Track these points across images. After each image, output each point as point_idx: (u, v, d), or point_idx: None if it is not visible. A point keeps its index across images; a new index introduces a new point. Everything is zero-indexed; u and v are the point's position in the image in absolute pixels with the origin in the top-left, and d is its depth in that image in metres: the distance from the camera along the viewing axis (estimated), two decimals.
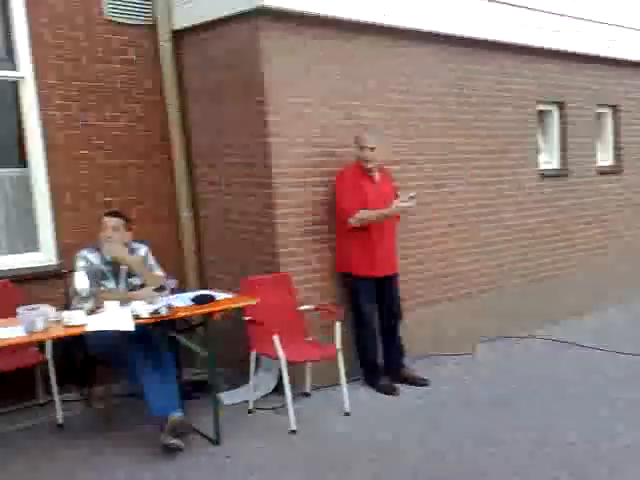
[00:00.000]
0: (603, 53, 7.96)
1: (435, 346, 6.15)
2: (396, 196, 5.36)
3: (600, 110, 8.31)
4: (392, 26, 5.69)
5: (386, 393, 5.19)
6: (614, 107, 8.47)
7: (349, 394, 4.84)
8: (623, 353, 6.03)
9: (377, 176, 5.28)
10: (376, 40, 5.72)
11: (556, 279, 7.53)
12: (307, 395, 5.15)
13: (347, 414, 4.76)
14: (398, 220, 5.42)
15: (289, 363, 4.52)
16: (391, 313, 5.42)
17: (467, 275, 6.57)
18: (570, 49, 7.49)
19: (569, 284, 7.62)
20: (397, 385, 5.29)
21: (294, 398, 4.59)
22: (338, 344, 4.78)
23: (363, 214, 5.07)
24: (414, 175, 6.07)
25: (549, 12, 7.29)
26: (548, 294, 7.33)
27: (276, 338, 4.46)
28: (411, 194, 5.10)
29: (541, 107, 7.51)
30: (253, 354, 4.82)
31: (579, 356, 6.10)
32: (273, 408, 4.88)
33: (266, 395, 5.11)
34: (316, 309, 5.20)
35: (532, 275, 7.27)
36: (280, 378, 4.65)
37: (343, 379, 4.80)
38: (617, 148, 8.53)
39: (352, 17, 5.38)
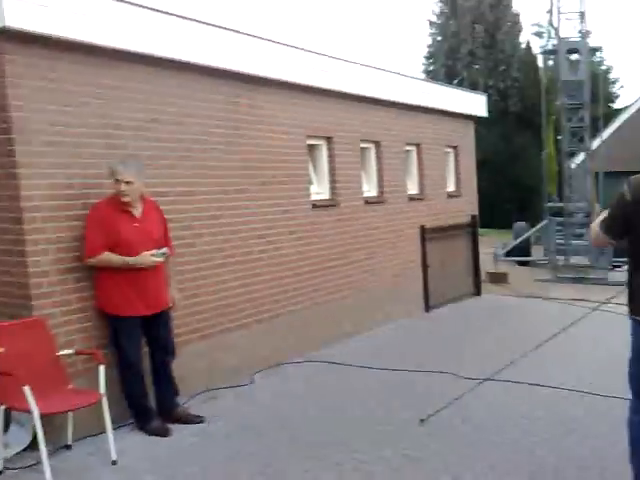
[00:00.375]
0: (367, 93, 8.56)
1: (212, 380, 6.04)
2: (166, 231, 5.19)
3: (364, 145, 8.90)
4: (159, 56, 5.58)
5: (158, 435, 4.94)
6: (376, 142, 9.13)
7: (118, 441, 4.55)
8: (389, 369, 6.44)
9: (139, 211, 5.03)
10: (142, 69, 5.57)
11: (331, 303, 7.85)
12: (69, 447, 4.73)
13: (114, 463, 4.45)
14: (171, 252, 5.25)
15: (45, 415, 4.12)
16: (163, 351, 5.20)
17: (244, 305, 6.57)
18: (338, 88, 7.95)
19: (344, 307, 8.00)
20: (170, 426, 5.07)
21: (55, 452, 4.24)
22: (102, 389, 4.48)
23: (105, 258, 4.79)
24: (188, 207, 5.97)
25: (318, 53, 7.70)
26: (324, 318, 7.62)
27: (27, 389, 4.04)
28: (163, 250, 4.96)
29: (311, 141, 7.85)
30: (1, 408, 4.32)
31: (352, 376, 6.39)
32: (28, 466, 4.41)
33: (20, 452, 4.60)
34: (77, 353, 4.82)
35: (308, 301, 7.50)
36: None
37: (109, 426, 4.49)
38: (380, 180, 9.16)
39: (113, 45, 5.17)
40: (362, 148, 8.85)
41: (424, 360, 6.78)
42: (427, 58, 24.63)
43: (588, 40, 23.83)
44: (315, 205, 7.68)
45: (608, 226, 3.41)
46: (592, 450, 4.45)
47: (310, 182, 7.78)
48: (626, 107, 19.89)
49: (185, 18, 5.89)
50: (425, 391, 5.82)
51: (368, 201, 8.77)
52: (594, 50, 17.21)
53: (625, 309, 3.45)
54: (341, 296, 8.06)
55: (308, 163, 7.79)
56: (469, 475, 4.11)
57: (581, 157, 14.99)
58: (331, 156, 8.14)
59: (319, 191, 8.00)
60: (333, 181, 8.12)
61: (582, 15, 15.24)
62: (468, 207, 11.35)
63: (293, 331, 7.12)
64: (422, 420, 5.02)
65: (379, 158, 9.16)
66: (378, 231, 8.90)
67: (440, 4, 24.33)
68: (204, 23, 6.07)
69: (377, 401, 5.61)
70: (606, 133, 16.68)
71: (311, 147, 7.91)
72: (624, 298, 3.49)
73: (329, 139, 8.11)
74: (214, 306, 6.23)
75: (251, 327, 6.66)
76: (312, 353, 7.17)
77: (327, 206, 7.94)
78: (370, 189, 9.04)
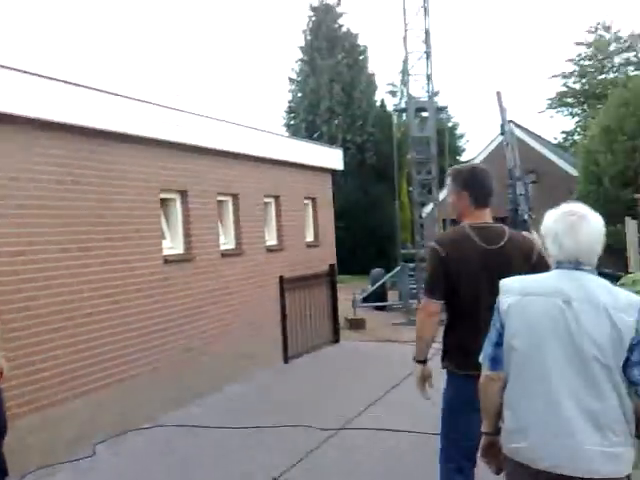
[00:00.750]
0: (224, 147, 8.62)
1: (50, 454, 5.55)
2: None
3: (221, 198, 8.92)
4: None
5: None
6: (234, 195, 9.19)
7: None
8: (240, 427, 6.29)
9: None
10: None
11: (184, 362, 7.60)
12: None
13: None
14: None
15: None
16: None
17: (85, 371, 6.15)
18: (193, 142, 7.93)
19: (198, 365, 7.78)
20: None
21: None
22: None
23: None
24: (23, 268, 5.61)
25: (171, 108, 7.69)
26: (176, 378, 7.33)
27: None
28: None
29: (165, 195, 7.75)
30: None
31: (204, 438, 6.13)
32: None
33: None
34: None
35: (158, 362, 7.18)
36: None
37: None
38: (237, 232, 9.18)
39: None
40: (219, 201, 8.86)
41: (281, 414, 6.71)
42: (288, 113, 25.33)
43: (436, 99, 25.79)
44: (167, 260, 7.51)
45: (432, 289, 3.31)
46: None
47: (162, 237, 7.64)
48: (471, 160, 21.51)
49: (23, 72, 5.66)
50: (280, 447, 5.75)
51: (225, 254, 8.73)
52: (441, 109, 18.47)
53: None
54: (195, 353, 7.83)
55: (160, 217, 7.65)
56: None
57: (430, 207, 15.91)
58: (185, 210, 8.05)
59: (172, 246, 7.86)
60: (187, 235, 8.02)
61: (429, 77, 16.43)
62: (327, 256, 11.62)
63: (141, 395, 6.74)
64: (275, 478, 4.98)
65: (237, 210, 9.20)
66: (236, 284, 8.85)
67: (300, 63, 25.24)
68: (42, 76, 5.83)
69: (230, 463, 5.41)
70: None
71: (164, 201, 7.80)
72: None
73: (183, 193, 8.04)
74: (52, 374, 5.77)
75: (94, 393, 6.22)
76: (163, 417, 6.79)
77: (180, 261, 7.80)
78: (227, 242, 9.03)
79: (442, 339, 3.50)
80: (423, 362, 3.51)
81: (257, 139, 9.53)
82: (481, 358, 2.64)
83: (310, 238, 11.29)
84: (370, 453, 5.48)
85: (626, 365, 2.30)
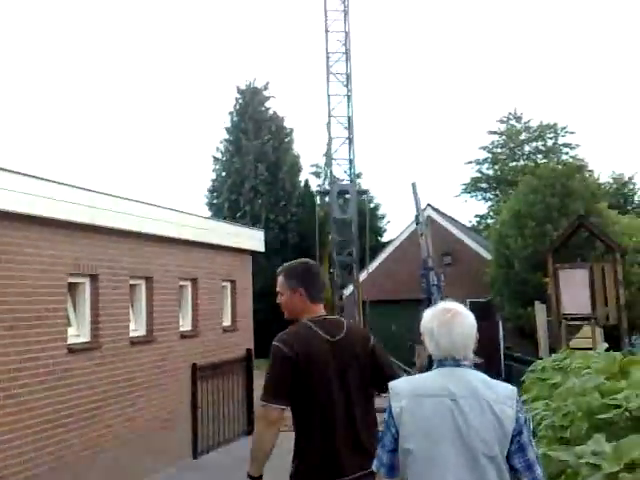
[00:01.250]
0: (139, 228, 8.42)
1: None
2: None
3: (134, 282, 8.66)
4: None
5: None
6: (148, 278, 8.94)
7: None
8: None
9: None
10: None
11: (86, 460, 7.09)
12: None
13: None
14: None
15: None
16: None
17: None
18: (105, 224, 7.71)
19: (100, 463, 7.28)
20: None
21: None
22: None
23: None
24: None
25: (83, 188, 7.48)
26: (73, 477, 6.85)
27: None
28: None
29: (73, 279, 7.45)
30: None
31: None
32: None
33: None
34: None
35: (55, 462, 6.67)
36: None
37: None
38: (149, 318, 8.88)
39: None
40: (132, 285, 8.60)
41: None
42: (211, 192, 25.34)
43: (359, 181, 26.46)
44: (71, 349, 7.12)
45: (275, 392, 3.07)
46: None
47: (67, 324, 7.28)
48: (391, 240, 21.96)
49: None
50: None
51: (135, 341, 8.39)
52: (362, 192, 18.95)
53: None
54: (98, 450, 7.35)
55: (67, 303, 7.32)
56: None
57: (351, 288, 16.03)
58: (95, 294, 7.74)
59: (77, 333, 7.48)
60: (95, 322, 7.67)
61: (351, 161, 16.95)
62: (244, 340, 11.39)
63: None
64: None
65: (150, 294, 8.93)
66: (145, 373, 8.46)
67: (225, 143, 25.51)
68: None
69: None
70: (372, 265, 18.10)
71: (72, 285, 7.48)
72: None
73: (94, 277, 7.75)
74: None
75: None
76: None
77: (86, 349, 7.41)
78: (138, 328, 8.70)
79: (294, 451, 3.20)
80: (258, 479, 3.19)
81: (174, 220, 9.39)
82: (375, 466, 2.59)
83: (227, 322, 11.07)
84: None
85: (509, 454, 2.40)
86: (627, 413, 3.29)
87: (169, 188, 43.53)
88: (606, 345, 6.69)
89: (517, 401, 2.46)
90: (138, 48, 51.82)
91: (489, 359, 12.42)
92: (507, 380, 10.00)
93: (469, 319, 2.56)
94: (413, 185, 15.75)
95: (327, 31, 16.62)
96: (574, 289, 12.62)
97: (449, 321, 2.52)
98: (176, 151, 52.37)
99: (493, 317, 16.24)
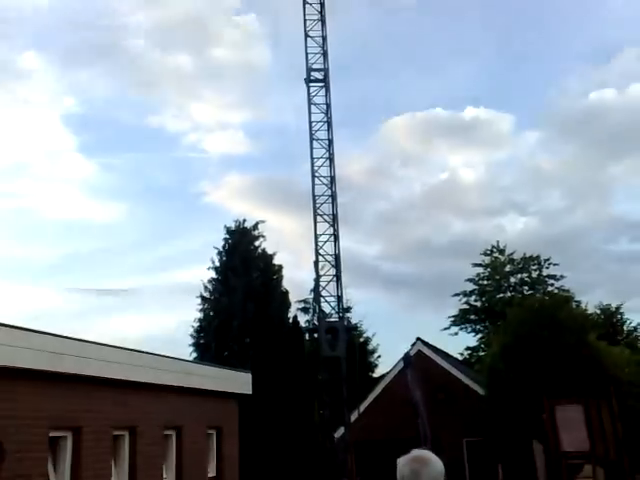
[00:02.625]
0: (124, 376, 8.27)
1: None
2: None
3: (118, 432, 8.38)
4: None
5: None
6: (131, 428, 8.65)
7: None
8: None
9: None
10: None
11: None
12: None
13: None
14: None
15: None
16: None
17: None
18: (88, 373, 7.59)
19: None
20: None
21: None
22: None
23: None
24: None
25: (47, 333, 7.30)
26: None
27: None
28: None
29: (54, 433, 7.21)
30: None
31: None
32: None
33: None
34: None
35: None
36: None
37: None
38: (132, 473, 8.48)
39: None
40: (115, 435, 8.31)
41: None
42: (197, 332, 25.11)
43: (348, 314, 26.41)
44: None
45: None
46: None
47: None
48: (383, 376, 21.50)
49: None
50: None
51: None
52: (351, 328, 18.89)
53: None
54: None
55: (47, 460, 7.02)
56: None
57: (342, 430, 15.49)
58: (77, 449, 7.47)
59: None
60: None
61: (339, 298, 17.05)
62: None
63: None
64: None
65: (134, 446, 8.62)
66: None
67: (213, 282, 25.63)
68: None
69: None
70: (364, 405, 17.65)
71: (54, 439, 7.23)
72: None
73: (76, 429, 7.51)
74: None
75: None
76: None
77: None
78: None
79: None
80: None
81: (157, 365, 9.23)
82: None
83: (212, 473, 10.60)
84: None
85: None
86: None
87: (150, 332, 42.99)
88: None
89: None
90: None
91: None
92: None
93: (437, 467, 2.82)
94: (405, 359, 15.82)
95: (314, 176, 17.38)
96: (571, 426, 12.32)
97: (418, 470, 2.79)
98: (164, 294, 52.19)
99: (490, 456, 15.69)
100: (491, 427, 16.00)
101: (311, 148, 17.47)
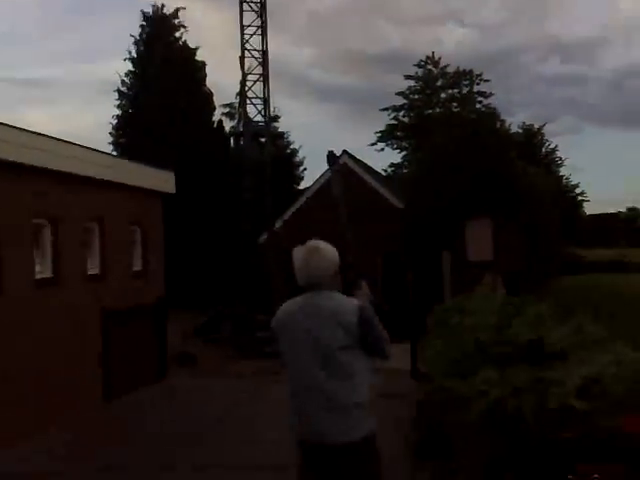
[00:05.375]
0: (43, 164, 7.99)
1: None
2: None
3: (38, 221, 8.29)
4: None
5: None
6: (52, 219, 8.56)
7: None
8: None
9: None
10: None
11: None
12: None
13: None
14: None
15: None
16: None
17: None
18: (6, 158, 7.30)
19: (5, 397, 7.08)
20: None
21: None
22: None
23: None
24: None
25: None
26: None
27: None
28: None
29: None
30: None
31: None
32: None
33: None
34: None
35: None
36: None
37: None
38: (55, 260, 8.55)
39: None
40: (35, 224, 8.23)
41: (102, 458, 6.28)
42: (116, 129, 24.03)
43: (275, 124, 25.91)
44: None
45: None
46: None
47: None
48: (307, 188, 21.84)
49: None
50: None
51: (40, 284, 8.10)
52: (278, 136, 18.73)
53: None
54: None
55: None
56: None
57: (264, 236, 15.89)
58: None
59: None
60: None
61: (266, 101, 16.42)
62: (155, 287, 11.19)
63: None
64: None
65: (56, 236, 8.59)
66: (51, 316, 8.14)
67: (131, 75, 23.97)
68: None
69: None
70: (287, 214, 18.04)
71: None
72: None
73: None
74: None
75: None
76: None
77: None
78: (43, 270, 8.39)
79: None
80: None
81: (80, 157, 8.99)
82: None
83: (137, 267, 10.84)
84: None
85: (360, 342, 2.96)
86: (517, 348, 3.51)
87: (68, 121, 41.20)
88: (504, 291, 7.03)
89: (360, 311, 2.96)
90: None
91: (397, 305, 12.86)
92: (413, 323, 10.41)
93: (327, 256, 3.06)
94: (330, 156, 15.75)
95: None
96: (479, 238, 13.16)
97: (307, 257, 3.04)
98: (77, 80, 49.24)
99: (402, 266, 16.68)
100: (406, 239, 16.83)
101: None
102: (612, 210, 43.37)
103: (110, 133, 24.06)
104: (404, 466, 5.31)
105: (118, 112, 24.02)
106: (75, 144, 9.09)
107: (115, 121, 24.03)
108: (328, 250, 3.09)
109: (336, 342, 2.92)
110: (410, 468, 5.31)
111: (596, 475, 1.57)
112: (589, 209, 40.72)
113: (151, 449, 6.55)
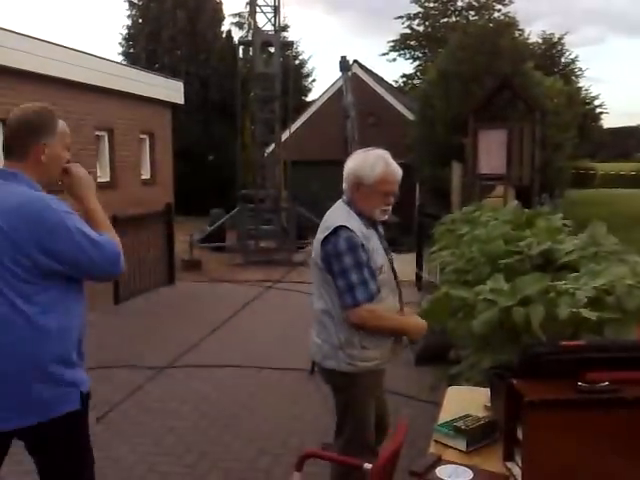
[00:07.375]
0: (50, 72, 7.89)
1: None
2: None
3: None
4: None
5: None
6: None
7: None
8: None
9: None
10: None
11: None
12: None
13: None
14: None
15: None
16: None
17: None
18: (12, 65, 7.19)
19: None
20: None
21: None
22: None
23: None
24: None
25: None
26: None
27: None
28: None
29: None
30: None
31: None
32: None
33: None
34: None
35: None
36: None
37: None
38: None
39: None
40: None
41: (108, 355, 6.48)
42: (126, 40, 23.60)
43: (285, 34, 25.18)
44: None
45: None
46: (262, 420, 4.76)
47: None
48: (315, 100, 21.46)
49: None
50: (105, 388, 5.54)
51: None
52: (287, 44, 18.20)
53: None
54: None
55: None
56: (143, 466, 4.07)
57: (272, 147, 15.73)
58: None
59: None
60: None
61: (276, 9, 15.92)
62: (163, 194, 11.23)
63: None
64: (98, 418, 4.84)
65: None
66: None
67: None
68: None
69: None
70: (295, 125, 17.79)
71: None
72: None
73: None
74: None
75: None
76: None
77: None
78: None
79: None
80: None
81: (88, 65, 8.82)
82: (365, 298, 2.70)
83: (146, 175, 10.84)
84: (196, 390, 5.51)
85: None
86: (528, 259, 3.50)
87: (80, 32, 40.32)
88: (516, 202, 6.93)
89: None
90: None
91: (405, 216, 12.84)
92: (419, 233, 10.43)
93: (349, 164, 2.89)
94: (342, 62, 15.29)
95: None
96: (491, 150, 12.91)
97: (347, 161, 2.93)
98: None
99: (410, 178, 16.54)
100: (416, 150, 16.61)
101: None
102: (633, 124, 42.38)
103: (120, 43, 23.63)
104: (407, 372, 5.48)
105: (128, 22, 23.49)
106: (86, 52, 8.88)
107: (125, 31, 23.53)
108: (358, 160, 2.85)
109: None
110: (414, 373, 5.50)
111: (606, 382, 1.60)
112: (609, 122, 39.88)
113: (154, 349, 6.75)
